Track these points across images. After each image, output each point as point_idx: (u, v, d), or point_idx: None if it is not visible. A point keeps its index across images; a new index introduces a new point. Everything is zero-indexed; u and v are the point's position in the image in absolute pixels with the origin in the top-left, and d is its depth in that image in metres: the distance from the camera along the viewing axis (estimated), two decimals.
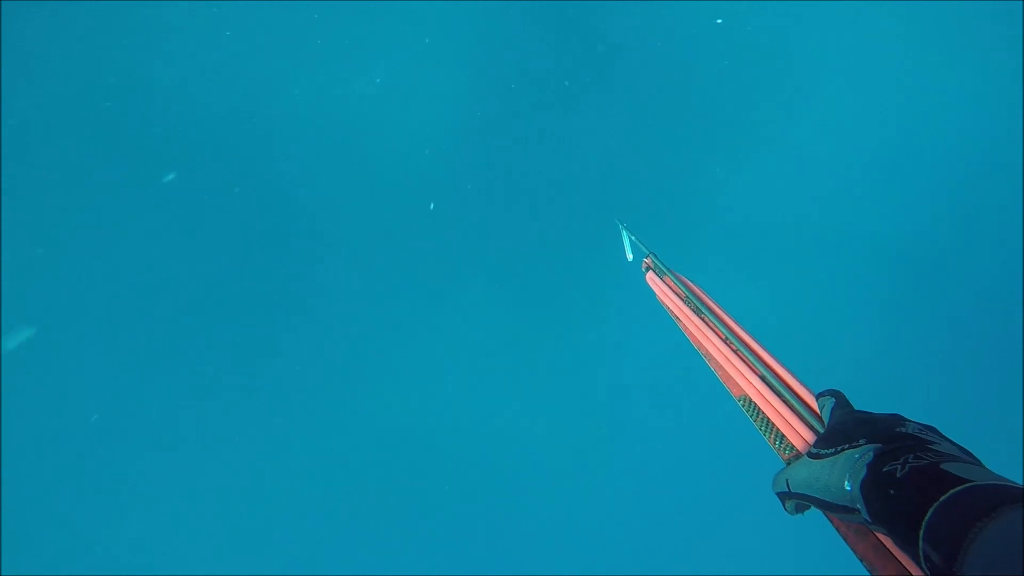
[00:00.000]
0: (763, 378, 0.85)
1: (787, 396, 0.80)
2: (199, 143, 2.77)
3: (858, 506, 0.51)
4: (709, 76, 2.72)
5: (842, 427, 0.64)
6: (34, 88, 2.70)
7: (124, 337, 2.46)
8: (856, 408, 0.72)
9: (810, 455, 0.64)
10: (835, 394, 0.74)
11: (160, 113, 2.72)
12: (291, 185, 2.71)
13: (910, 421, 0.60)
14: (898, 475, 0.47)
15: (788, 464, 0.73)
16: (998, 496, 0.39)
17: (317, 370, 2.52)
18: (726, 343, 0.93)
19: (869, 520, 0.50)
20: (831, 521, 0.63)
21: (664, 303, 1.10)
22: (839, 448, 0.59)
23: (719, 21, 2.61)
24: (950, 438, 0.56)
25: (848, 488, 0.53)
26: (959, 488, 0.41)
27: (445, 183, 2.72)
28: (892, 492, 0.46)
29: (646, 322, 2.47)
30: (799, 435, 0.74)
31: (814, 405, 0.78)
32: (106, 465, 2.34)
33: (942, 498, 0.41)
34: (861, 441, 0.56)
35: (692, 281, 1.09)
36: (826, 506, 0.58)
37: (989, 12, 2.50)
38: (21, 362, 2.38)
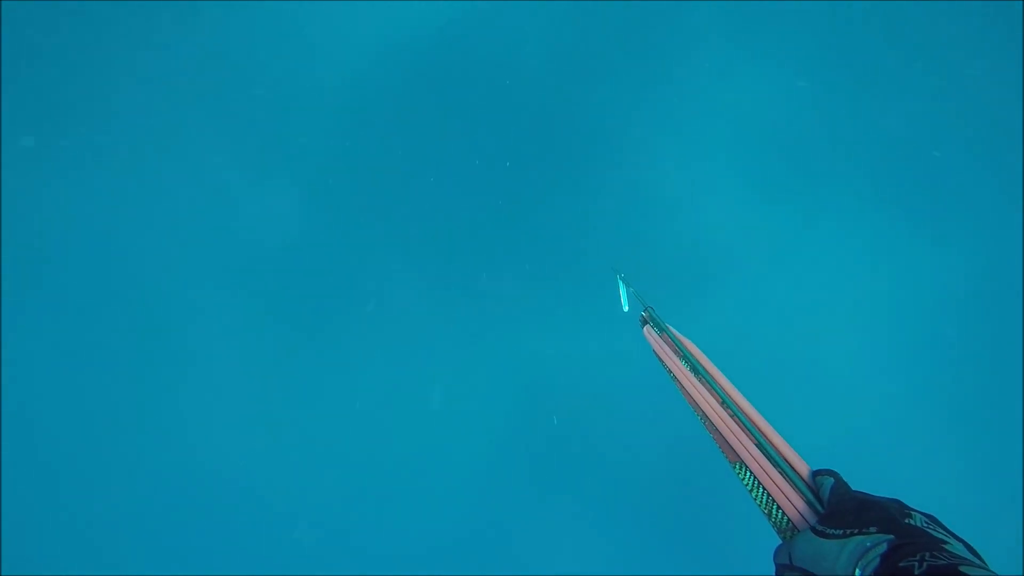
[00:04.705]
0: (760, 446, 0.87)
1: (784, 468, 0.82)
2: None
3: None
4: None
5: (847, 509, 0.66)
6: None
7: (126, 347, 2.39)
8: (853, 488, 0.75)
9: (815, 531, 0.66)
10: (833, 474, 0.76)
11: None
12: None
13: (913, 510, 0.62)
14: (916, 573, 0.49)
15: (787, 537, 0.74)
16: None
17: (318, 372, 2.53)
18: (723, 407, 0.95)
19: None
20: None
21: (661, 358, 1.12)
22: (847, 532, 0.61)
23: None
24: (953, 531, 0.59)
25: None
26: None
27: (445, 203, 2.76)
28: None
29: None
30: (795, 509, 0.76)
31: (809, 480, 0.80)
32: (106, 464, 2.24)
33: None
34: (871, 529, 0.58)
35: (690, 340, 1.11)
36: None
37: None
38: (21, 361, 2.29)
